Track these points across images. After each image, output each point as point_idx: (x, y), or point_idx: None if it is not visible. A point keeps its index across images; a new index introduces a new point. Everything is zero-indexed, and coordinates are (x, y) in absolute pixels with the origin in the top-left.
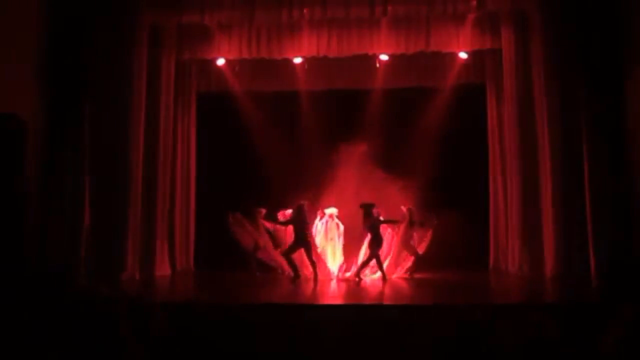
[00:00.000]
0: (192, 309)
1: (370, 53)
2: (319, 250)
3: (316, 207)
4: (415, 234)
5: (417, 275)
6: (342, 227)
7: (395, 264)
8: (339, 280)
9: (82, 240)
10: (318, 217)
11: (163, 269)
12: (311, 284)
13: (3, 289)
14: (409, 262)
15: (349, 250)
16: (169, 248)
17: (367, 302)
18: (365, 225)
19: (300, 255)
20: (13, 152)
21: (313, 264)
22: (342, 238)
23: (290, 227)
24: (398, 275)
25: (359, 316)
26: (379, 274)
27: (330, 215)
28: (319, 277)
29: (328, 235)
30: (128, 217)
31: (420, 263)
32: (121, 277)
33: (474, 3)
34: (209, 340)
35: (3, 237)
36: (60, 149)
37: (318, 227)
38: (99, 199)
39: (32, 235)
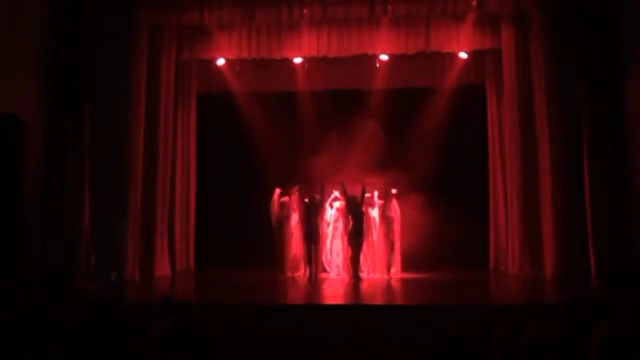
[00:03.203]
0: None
1: (370, 53)
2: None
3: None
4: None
5: (418, 276)
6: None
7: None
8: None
9: (82, 240)
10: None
11: (163, 269)
12: (313, 284)
13: (3, 288)
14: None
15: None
16: (169, 248)
17: (367, 302)
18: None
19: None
20: (13, 152)
21: (317, 261)
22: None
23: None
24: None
25: (359, 316)
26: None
27: (338, 209)
28: (319, 275)
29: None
30: (128, 217)
31: (421, 263)
32: (121, 277)
33: (474, 3)
34: (209, 340)
35: (3, 237)
36: (60, 149)
37: (327, 219)
38: (99, 199)
39: (32, 235)
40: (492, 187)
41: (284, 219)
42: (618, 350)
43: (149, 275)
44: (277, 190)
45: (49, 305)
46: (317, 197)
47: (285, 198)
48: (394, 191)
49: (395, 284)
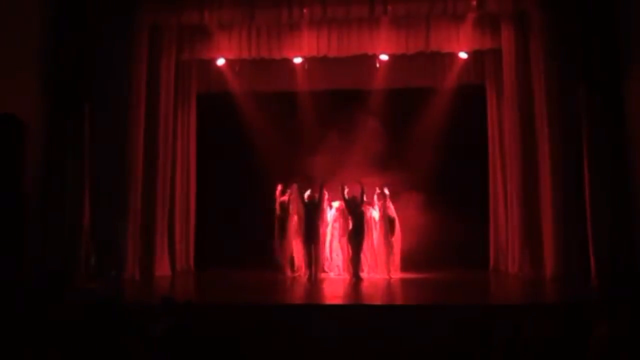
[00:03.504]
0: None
1: (370, 53)
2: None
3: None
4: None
5: (418, 276)
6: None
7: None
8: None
9: (82, 240)
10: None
11: (163, 269)
12: (313, 284)
13: (3, 288)
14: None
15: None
16: (169, 248)
17: (367, 302)
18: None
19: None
20: (13, 152)
21: (316, 261)
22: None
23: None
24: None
25: (359, 316)
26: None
27: (338, 209)
28: (319, 275)
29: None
30: (128, 217)
31: (421, 263)
32: (121, 277)
33: (474, 3)
34: (209, 340)
35: (3, 237)
36: (60, 149)
37: (327, 219)
38: (99, 199)
39: (32, 235)
40: (492, 187)
41: (284, 219)
42: (618, 350)
43: (149, 275)
44: (279, 187)
45: (49, 305)
46: (316, 196)
47: (285, 197)
48: (386, 191)
49: (395, 284)
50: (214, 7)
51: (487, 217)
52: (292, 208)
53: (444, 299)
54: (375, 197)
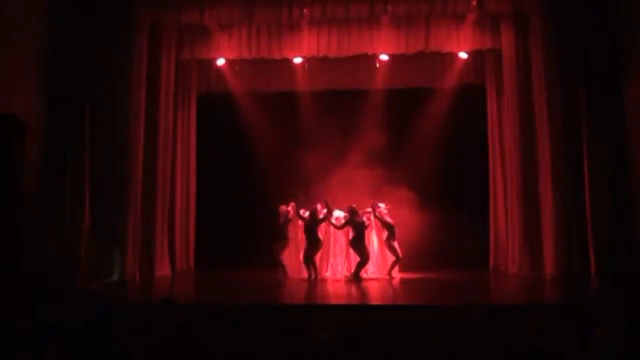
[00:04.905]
0: (193, 310)
1: (370, 53)
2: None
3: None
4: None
5: (418, 276)
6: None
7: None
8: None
9: (82, 240)
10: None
11: (163, 269)
12: (313, 284)
13: (3, 288)
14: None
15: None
16: (169, 248)
17: (367, 302)
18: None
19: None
20: (13, 152)
21: (314, 263)
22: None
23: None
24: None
25: (359, 316)
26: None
27: (337, 219)
28: (320, 277)
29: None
30: (128, 217)
31: (421, 263)
32: (121, 277)
33: (474, 3)
34: (208, 340)
35: (3, 237)
36: (60, 149)
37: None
38: (99, 199)
39: (32, 235)
40: (492, 187)
41: (284, 222)
42: (618, 351)
43: (149, 275)
44: (292, 204)
45: (49, 305)
46: (318, 208)
47: (288, 208)
48: (382, 205)
49: (395, 284)
50: (213, 6)
51: (487, 217)
52: (294, 217)
53: (444, 299)
54: (383, 206)
